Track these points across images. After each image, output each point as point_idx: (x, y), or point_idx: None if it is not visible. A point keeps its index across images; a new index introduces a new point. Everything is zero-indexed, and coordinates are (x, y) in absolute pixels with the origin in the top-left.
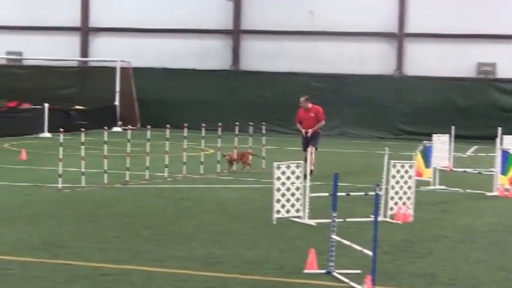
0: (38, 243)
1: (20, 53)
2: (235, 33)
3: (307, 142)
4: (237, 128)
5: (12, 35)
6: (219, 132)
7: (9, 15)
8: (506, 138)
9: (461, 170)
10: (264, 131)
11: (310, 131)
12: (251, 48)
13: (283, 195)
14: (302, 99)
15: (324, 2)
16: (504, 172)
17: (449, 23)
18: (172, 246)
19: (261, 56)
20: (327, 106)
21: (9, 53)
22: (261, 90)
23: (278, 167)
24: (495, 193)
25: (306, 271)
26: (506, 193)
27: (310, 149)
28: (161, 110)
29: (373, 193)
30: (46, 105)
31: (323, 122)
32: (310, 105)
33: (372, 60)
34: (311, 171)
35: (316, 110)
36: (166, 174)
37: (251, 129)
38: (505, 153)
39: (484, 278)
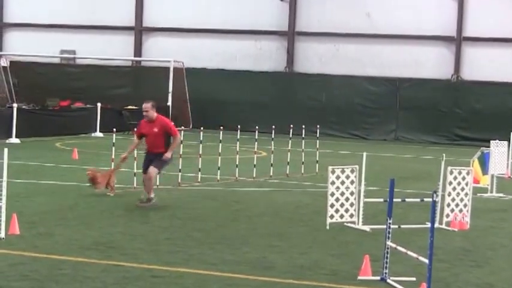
0: (90, 244)
1: (73, 52)
2: (290, 35)
3: (150, 162)
4: (290, 131)
5: (66, 33)
6: (273, 135)
7: (64, 14)
8: None
9: None
10: (317, 134)
11: (168, 155)
12: (306, 50)
13: (337, 199)
14: (147, 105)
15: (381, 4)
16: None
17: (509, 27)
18: (225, 250)
19: (316, 58)
20: (383, 110)
21: (63, 51)
22: (316, 93)
23: (333, 172)
24: None
25: (359, 277)
26: None
27: (152, 171)
28: (214, 111)
29: (429, 199)
30: (98, 104)
31: (179, 138)
32: (155, 115)
33: (429, 64)
34: (149, 199)
35: (163, 123)
36: (218, 177)
37: (304, 132)
38: None
39: None
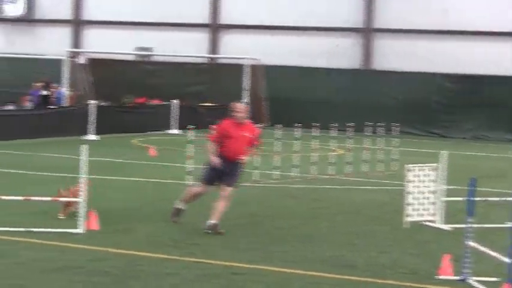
0: (169, 241)
1: (149, 49)
2: (367, 32)
3: (221, 175)
4: (368, 129)
5: (142, 31)
6: (351, 133)
7: (140, 11)
8: None
9: None
10: (395, 133)
11: (245, 158)
12: (383, 47)
13: (416, 198)
14: (243, 107)
15: (459, 0)
16: None
17: None
18: (304, 248)
19: (393, 55)
20: (462, 108)
21: (138, 48)
22: (393, 90)
23: (411, 170)
24: None
25: (440, 277)
26: None
27: (225, 191)
28: (290, 108)
29: (511, 199)
30: (174, 101)
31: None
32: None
33: (508, 61)
34: (215, 225)
35: (255, 129)
36: (295, 174)
37: (382, 130)
38: None
39: None
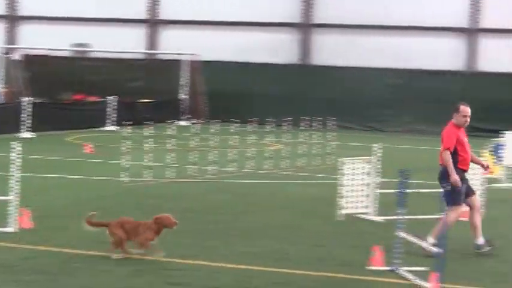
0: (103, 237)
1: (86, 45)
2: (305, 27)
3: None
4: (305, 123)
5: (80, 26)
6: (287, 127)
7: (78, 7)
8: None
9: None
10: (332, 127)
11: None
12: (321, 42)
13: (350, 191)
14: (469, 109)
15: None
16: None
17: None
18: (238, 242)
19: (331, 50)
20: (399, 102)
21: (75, 45)
22: (331, 85)
23: (345, 163)
24: None
25: (371, 267)
26: None
27: (476, 202)
28: (229, 103)
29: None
30: (111, 98)
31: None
32: None
33: (441, 55)
34: (484, 244)
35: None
36: (232, 169)
37: (319, 124)
38: None
39: None
